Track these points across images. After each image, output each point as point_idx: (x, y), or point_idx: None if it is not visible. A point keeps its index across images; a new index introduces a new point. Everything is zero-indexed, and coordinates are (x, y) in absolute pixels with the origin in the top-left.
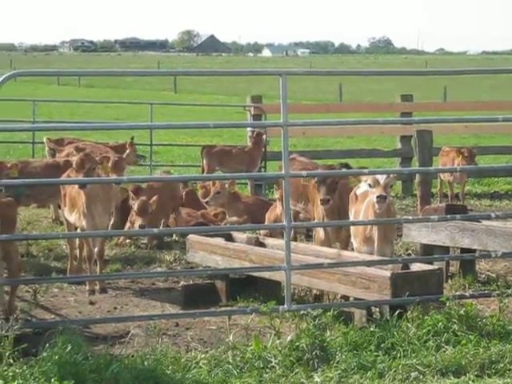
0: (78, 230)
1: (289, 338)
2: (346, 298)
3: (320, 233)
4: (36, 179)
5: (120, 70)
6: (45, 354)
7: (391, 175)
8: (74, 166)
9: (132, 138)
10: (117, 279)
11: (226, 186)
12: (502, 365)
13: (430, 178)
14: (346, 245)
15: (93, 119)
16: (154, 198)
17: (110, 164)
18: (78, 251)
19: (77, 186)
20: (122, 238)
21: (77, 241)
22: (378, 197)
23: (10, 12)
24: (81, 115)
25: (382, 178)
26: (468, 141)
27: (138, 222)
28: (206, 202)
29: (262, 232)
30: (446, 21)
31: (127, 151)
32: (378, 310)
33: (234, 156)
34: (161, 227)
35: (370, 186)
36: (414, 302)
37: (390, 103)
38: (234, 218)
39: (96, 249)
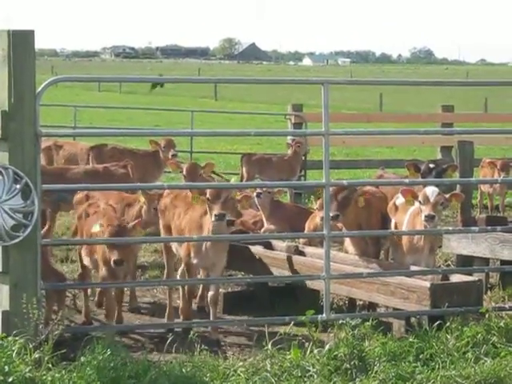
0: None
1: (327, 347)
2: (372, 304)
3: (348, 248)
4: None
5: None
6: (83, 359)
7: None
8: None
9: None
10: (156, 286)
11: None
12: None
13: (470, 189)
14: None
15: (133, 125)
16: None
17: None
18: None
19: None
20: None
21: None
22: (426, 216)
23: (52, 18)
24: (121, 121)
25: (432, 196)
26: (509, 152)
27: None
28: (258, 194)
29: (301, 241)
30: (488, 32)
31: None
32: (416, 320)
33: (273, 164)
34: None
35: (420, 202)
36: (453, 313)
37: (430, 114)
38: (273, 226)
39: (211, 292)
